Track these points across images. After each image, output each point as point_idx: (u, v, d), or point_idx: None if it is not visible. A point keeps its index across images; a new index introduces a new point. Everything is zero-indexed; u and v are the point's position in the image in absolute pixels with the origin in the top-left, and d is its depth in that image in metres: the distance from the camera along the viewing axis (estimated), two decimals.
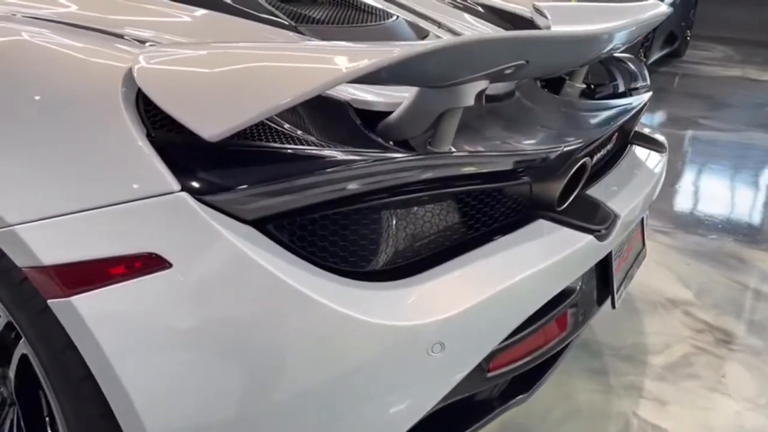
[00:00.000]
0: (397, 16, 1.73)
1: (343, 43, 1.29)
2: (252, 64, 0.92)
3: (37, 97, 0.96)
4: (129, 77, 0.95)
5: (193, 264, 0.90)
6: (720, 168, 4.02)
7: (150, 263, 0.90)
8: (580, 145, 1.21)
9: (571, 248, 1.13)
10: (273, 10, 1.48)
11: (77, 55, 1.02)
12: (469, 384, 1.07)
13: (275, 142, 0.99)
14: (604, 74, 1.91)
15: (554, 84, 1.76)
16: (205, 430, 0.94)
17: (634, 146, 1.65)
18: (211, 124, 0.86)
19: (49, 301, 0.92)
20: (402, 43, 1.28)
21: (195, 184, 0.91)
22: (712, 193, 3.59)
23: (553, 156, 1.17)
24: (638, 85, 1.77)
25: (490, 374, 1.10)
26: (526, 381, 1.32)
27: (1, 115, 0.96)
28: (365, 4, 1.75)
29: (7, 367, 1.16)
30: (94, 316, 0.89)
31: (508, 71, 1.09)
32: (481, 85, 1.12)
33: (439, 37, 1.82)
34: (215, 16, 1.39)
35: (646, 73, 1.82)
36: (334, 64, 0.87)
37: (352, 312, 0.93)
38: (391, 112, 1.13)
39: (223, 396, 0.93)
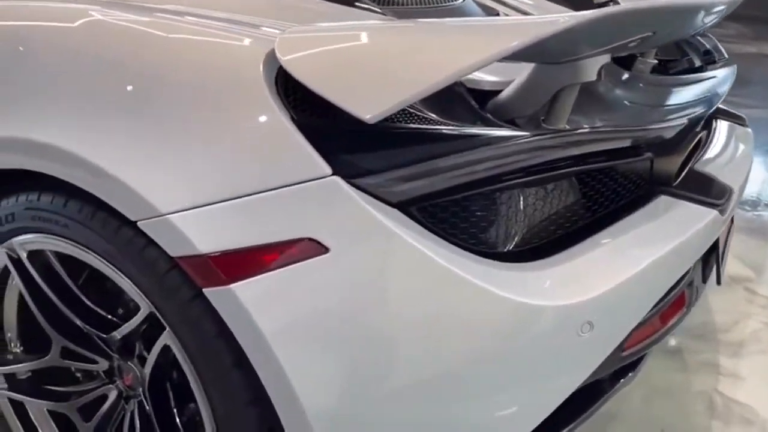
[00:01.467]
0: None
1: (494, 18, 1.26)
2: (405, 39, 0.91)
3: (182, 85, 0.95)
4: (270, 60, 0.93)
5: (349, 248, 0.89)
6: (756, 145, 4.00)
7: (307, 249, 0.89)
8: (696, 118, 1.20)
9: (700, 223, 1.12)
10: None
11: (216, 41, 1.01)
12: (607, 364, 1.06)
13: (413, 123, 0.98)
14: (672, 50, 1.89)
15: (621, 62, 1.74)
16: (362, 411, 0.94)
17: (719, 120, 1.64)
18: (368, 105, 0.85)
19: (205, 290, 0.91)
20: (538, 17, 1.26)
21: (345, 168, 0.90)
22: (752, 170, 3.57)
23: (673, 130, 1.16)
24: (715, 59, 1.75)
25: (624, 353, 1.09)
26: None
27: (151, 105, 0.95)
28: None
29: (132, 359, 1.16)
30: (254, 303, 0.88)
31: (632, 44, 1.07)
32: (604, 59, 1.11)
33: (507, 15, 1.81)
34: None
35: (721, 47, 1.80)
36: (496, 37, 0.85)
37: (509, 294, 0.92)
38: (499, 91, 1.12)
39: (380, 377, 0.92)
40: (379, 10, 1.41)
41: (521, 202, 1.05)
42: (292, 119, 0.91)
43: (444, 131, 0.95)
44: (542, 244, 1.05)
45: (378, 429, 0.95)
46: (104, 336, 1.12)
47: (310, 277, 0.89)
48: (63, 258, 1.14)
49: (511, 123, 1.09)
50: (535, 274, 0.98)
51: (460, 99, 1.12)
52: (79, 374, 1.33)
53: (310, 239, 0.89)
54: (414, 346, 0.92)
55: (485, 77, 1.15)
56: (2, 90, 1.06)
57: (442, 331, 0.92)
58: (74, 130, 0.97)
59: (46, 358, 1.22)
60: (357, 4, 1.45)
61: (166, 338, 1.00)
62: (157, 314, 1.00)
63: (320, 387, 0.92)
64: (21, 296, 1.23)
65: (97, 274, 1.16)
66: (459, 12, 1.58)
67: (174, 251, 0.92)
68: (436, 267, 0.90)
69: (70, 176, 0.98)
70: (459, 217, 0.98)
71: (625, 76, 1.59)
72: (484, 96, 1.13)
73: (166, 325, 0.99)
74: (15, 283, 1.21)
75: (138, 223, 0.93)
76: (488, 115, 1.08)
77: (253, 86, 0.92)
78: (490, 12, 1.72)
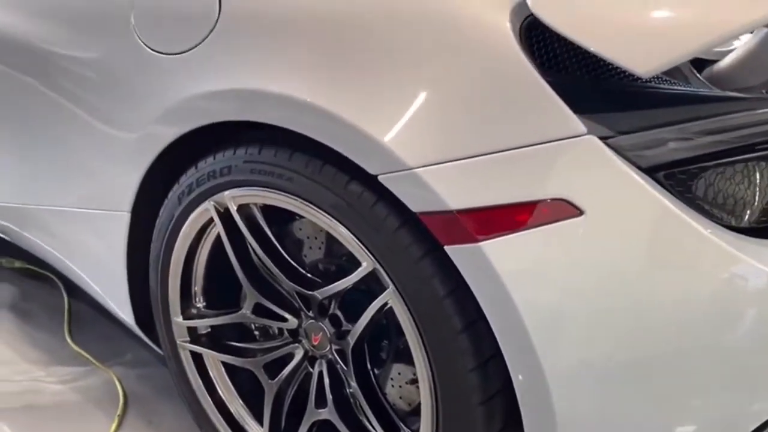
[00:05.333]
0: None
1: None
2: None
3: (424, 35, 0.92)
4: (517, 10, 0.90)
5: (605, 211, 0.85)
6: None
7: (560, 210, 0.85)
8: None
9: None
10: None
11: None
12: None
13: (663, 84, 0.93)
14: None
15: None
16: (604, 380, 0.90)
17: None
18: (642, 59, 0.81)
19: (448, 247, 0.89)
20: None
21: (599, 127, 0.86)
22: None
23: None
24: None
25: None
26: None
27: (391, 55, 0.93)
28: None
29: (323, 319, 1.15)
30: (503, 262, 0.85)
31: None
32: None
33: None
34: None
35: None
36: None
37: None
38: (715, 61, 1.05)
39: (628, 347, 0.88)
40: None
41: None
42: (542, 74, 0.88)
43: (703, 93, 0.90)
44: None
45: (620, 401, 0.91)
46: (307, 293, 1.12)
47: (562, 239, 0.85)
48: (266, 212, 1.15)
49: None
50: None
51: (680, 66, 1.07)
52: (257, 332, 1.35)
53: (564, 200, 0.85)
54: (665, 318, 0.87)
55: None
56: (232, 41, 1.06)
57: (699, 306, 0.87)
58: (312, 82, 0.97)
59: (238, 313, 1.23)
60: None
61: (387, 296, 0.99)
62: (382, 272, 0.98)
63: (563, 351, 0.88)
64: (214, 251, 1.25)
65: (289, 231, 1.18)
66: None
67: (418, 207, 0.90)
68: (698, 236, 0.84)
69: (306, 128, 0.97)
70: (710, 187, 0.92)
71: None
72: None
73: (389, 283, 0.98)
74: (211, 236, 1.23)
75: (379, 177, 0.91)
76: (709, 85, 1.03)
77: (501, 37, 0.89)
78: None
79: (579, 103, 0.86)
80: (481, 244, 0.86)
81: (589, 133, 0.85)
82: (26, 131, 1.53)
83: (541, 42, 0.90)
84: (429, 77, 0.91)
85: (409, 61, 0.93)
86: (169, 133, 1.14)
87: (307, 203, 1.03)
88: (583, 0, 0.90)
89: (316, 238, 1.23)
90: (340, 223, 1.00)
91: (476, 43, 0.91)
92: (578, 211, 0.85)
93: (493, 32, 0.90)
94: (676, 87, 0.92)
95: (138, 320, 1.41)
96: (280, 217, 1.18)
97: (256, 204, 1.13)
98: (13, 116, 1.54)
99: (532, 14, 0.90)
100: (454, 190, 0.87)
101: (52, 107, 1.40)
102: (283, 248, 1.17)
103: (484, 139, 0.87)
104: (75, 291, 1.73)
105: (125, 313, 1.42)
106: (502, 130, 0.87)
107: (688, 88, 0.92)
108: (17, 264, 1.96)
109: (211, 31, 1.07)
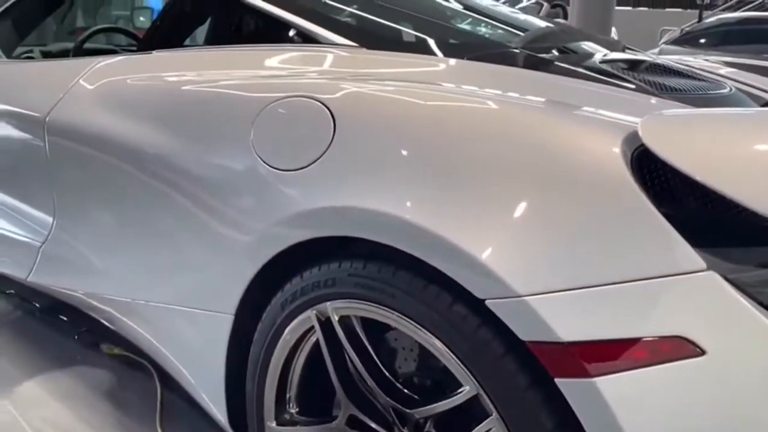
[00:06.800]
0: (730, 87, 1.63)
1: None
2: None
3: (536, 165, 0.94)
4: (628, 143, 0.91)
5: (729, 351, 0.81)
6: None
7: (680, 348, 0.82)
8: None
9: None
10: (625, 76, 1.43)
11: (567, 123, 1.01)
12: None
13: None
14: None
15: None
16: None
17: None
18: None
19: (558, 380, 0.86)
20: None
21: (720, 262, 0.83)
22: None
23: None
24: None
25: None
26: None
27: (502, 182, 0.95)
28: (694, 72, 1.67)
29: None
30: (618, 400, 0.82)
31: None
32: None
33: None
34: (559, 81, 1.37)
35: None
36: None
37: None
38: None
39: None
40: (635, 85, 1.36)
41: None
42: (656, 205, 0.87)
43: None
44: None
45: None
46: (406, 411, 1.11)
47: (681, 379, 0.82)
48: (365, 324, 1.16)
49: None
50: None
51: None
52: None
53: (683, 338, 0.82)
54: None
55: None
56: (344, 161, 1.12)
57: None
58: (419, 202, 1.00)
59: (332, 424, 1.23)
60: (623, 84, 1.41)
61: (490, 424, 0.96)
62: (485, 397, 0.96)
63: None
64: (311, 358, 1.26)
65: (388, 346, 1.18)
66: (733, 100, 1.50)
67: (527, 335, 0.88)
68: None
69: (411, 247, 0.99)
70: None
71: None
72: None
73: (493, 410, 0.96)
74: (309, 343, 1.25)
75: (486, 302, 0.91)
76: None
77: (613, 167, 0.89)
78: (758, 101, 1.62)
79: (697, 237, 0.85)
80: (595, 379, 0.83)
81: (708, 268, 0.83)
82: (136, 227, 1.62)
83: (653, 172, 0.90)
84: (539, 203, 0.92)
85: (520, 186, 0.94)
86: (278, 243, 1.18)
87: (409, 320, 1.04)
88: (696, 132, 0.90)
89: (411, 350, 1.23)
90: (444, 343, 0.99)
91: (587, 172, 0.92)
92: (699, 350, 0.82)
93: (604, 161, 0.91)
94: None
95: (231, 420, 1.42)
96: (376, 326, 1.19)
97: (356, 315, 1.15)
98: (124, 213, 1.65)
99: (643, 144, 0.91)
100: (566, 320, 0.86)
101: (164, 205, 1.49)
102: (377, 358, 1.18)
103: (598, 270, 0.86)
104: (169, 382, 1.78)
105: (219, 411, 1.43)
106: (618, 261, 0.86)
107: None
108: (116, 350, 2.03)
109: (325, 151, 1.13)
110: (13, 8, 2.43)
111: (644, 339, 0.83)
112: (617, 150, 0.91)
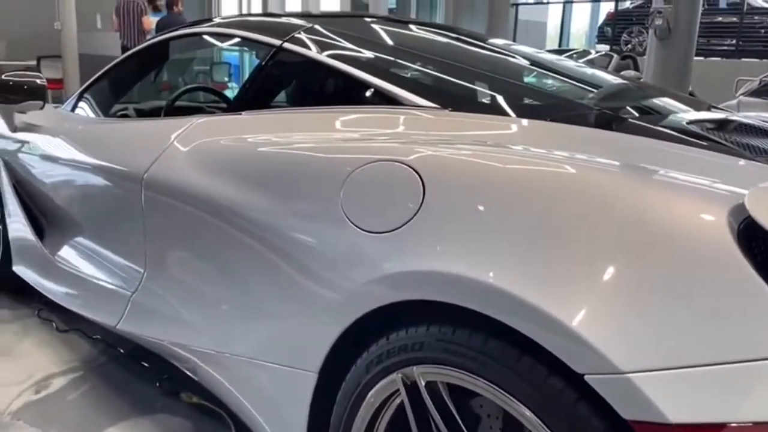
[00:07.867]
0: None
1: None
2: None
3: (637, 238, 0.92)
4: (736, 212, 0.88)
5: None
6: None
7: None
8: None
9: None
10: (715, 138, 1.39)
11: (665, 189, 1.00)
12: None
13: None
14: None
15: None
16: None
17: None
18: None
19: None
20: None
21: None
22: None
23: None
24: None
25: None
26: None
27: (603, 252, 0.94)
28: None
29: None
30: None
31: None
32: None
33: None
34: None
35: None
36: None
37: None
38: None
39: None
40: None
41: None
42: (765, 279, 0.83)
43: None
44: None
45: None
46: None
47: None
48: (451, 389, 1.15)
49: None
50: None
51: None
52: None
53: None
54: None
55: None
56: (432, 226, 1.13)
57: None
58: (514, 270, 0.99)
59: None
60: (713, 147, 1.37)
61: None
62: None
63: None
64: (394, 421, 1.25)
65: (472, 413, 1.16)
66: None
67: (630, 414, 0.85)
68: None
69: (506, 317, 0.98)
70: None
71: None
72: None
73: None
74: (393, 406, 1.24)
75: (586, 377, 0.89)
76: None
77: (718, 241, 0.87)
78: None
79: None
80: None
81: None
82: (224, 281, 1.66)
83: (762, 245, 0.87)
84: (642, 276, 0.90)
85: (615, 253, 0.93)
86: (366, 304, 1.20)
87: (499, 389, 1.02)
88: None
89: (497, 418, 1.20)
90: (537, 417, 0.96)
91: (690, 242, 0.90)
92: None
93: (710, 233, 0.89)
94: None
95: None
96: (461, 391, 1.17)
97: (443, 381, 1.14)
98: (213, 267, 1.70)
99: (749, 216, 0.88)
100: (673, 401, 0.82)
101: (252, 262, 1.53)
102: (462, 423, 1.15)
103: (708, 348, 0.83)
104: None
105: None
106: (729, 338, 0.83)
107: None
108: (195, 399, 2.08)
109: (414, 215, 1.14)
110: (110, 71, 2.61)
111: (754, 423, 0.78)
112: (723, 221, 0.89)
